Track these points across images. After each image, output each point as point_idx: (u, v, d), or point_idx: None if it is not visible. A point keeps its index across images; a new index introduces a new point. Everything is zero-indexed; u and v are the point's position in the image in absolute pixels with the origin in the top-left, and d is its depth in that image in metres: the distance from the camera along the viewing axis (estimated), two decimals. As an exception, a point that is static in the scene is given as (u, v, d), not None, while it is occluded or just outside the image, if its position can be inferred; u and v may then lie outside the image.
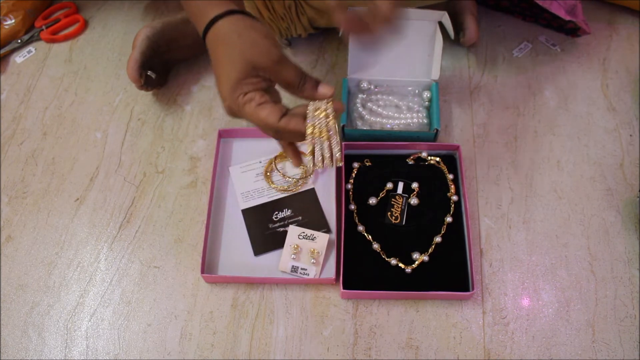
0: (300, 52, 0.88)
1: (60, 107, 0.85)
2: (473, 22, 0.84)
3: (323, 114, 0.52)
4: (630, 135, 0.79)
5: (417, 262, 0.68)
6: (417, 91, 0.80)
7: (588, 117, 0.81)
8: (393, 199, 0.72)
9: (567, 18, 0.79)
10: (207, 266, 0.69)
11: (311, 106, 0.52)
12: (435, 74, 0.78)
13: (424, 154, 0.75)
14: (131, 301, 0.68)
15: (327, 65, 0.87)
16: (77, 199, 0.76)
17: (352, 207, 0.72)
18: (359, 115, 0.79)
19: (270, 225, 0.72)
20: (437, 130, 0.74)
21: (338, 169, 0.74)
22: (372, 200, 0.72)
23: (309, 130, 0.52)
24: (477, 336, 0.65)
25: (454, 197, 0.72)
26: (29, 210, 0.75)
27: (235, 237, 0.71)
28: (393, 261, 0.68)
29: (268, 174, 0.76)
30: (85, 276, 0.70)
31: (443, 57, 0.80)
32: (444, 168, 0.74)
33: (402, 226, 0.71)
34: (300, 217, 0.72)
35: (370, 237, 0.70)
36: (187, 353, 0.64)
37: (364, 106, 0.79)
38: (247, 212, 0.73)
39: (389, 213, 0.71)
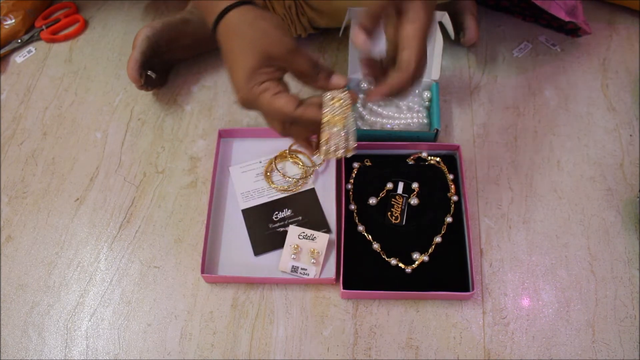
0: (300, 52, 0.88)
1: (60, 107, 0.85)
2: (473, 22, 0.84)
3: (339, 103, 0.52)
4: (630, 135, 0.79)
5: (417, 262, 0.68)
6: (417, 91, 0.80)
7: (588, 117, 0.81)
8: (393, 199, 0.72)
9: (567, 19, 0.79)
10: (207, 266, 0.69)
11: (327, 95, 0.52)
12: (436, 74, 0.78)
13: (424, 154, 0.75)
14: (131, 301, 0.68)
15: (327, 65, 0.87)
16: (77, 199, 0.76)
17: (352, 207, 0.72)
18: (359, 115, 0.79)
19: (270, 225, 0.72)
20: (437, 130, 0.74)
21: (338, 169, 0.74)
22: (372, 200, 0.72)
23: (325, 119, 0.52)
24: (477, 336, 0.65)
25: (454, 197, 0.72)
26: (29, 210, 0.75)
27: (235, 237, 0.71)
28: (393, 261, 0.68)
29: (268, 174, 0.76)
30: (85, 276, 0.70)
31: (443, 57, 0.80)
32: (444, 168, 0.74)
33: (402, 226, 0.71)
34: (300, 217, 0.72)
35: (370, 237, 0.70)
36: (187, 353, 0.64)
37: (364, 106, 0.79)
38: (247, 212, 0.73)
39: (389, 213, 0.71)
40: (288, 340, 0.65)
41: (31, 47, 0.92)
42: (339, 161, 0.75)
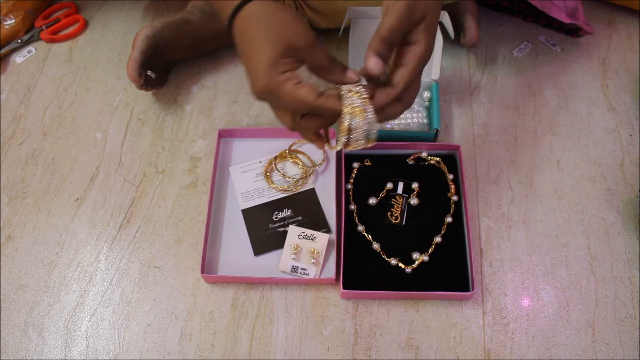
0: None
1: (60, 107, 0.85)
2: (473, 22, 0.84)
3: (357, 95, 0.52)
4: (630, 135, 0.79)
5: (417, 262, 0.68)
6: (417, 91, 0.80)
7: (588, 117, 0.81)
8: (393, 199, 0.72)
9: (568, 21, 0.79)
10: (207, 266, 0.69)
11: (345, 87, 0.53)
12: (436, 74, 0.78)
13: (424, 154, 0.75)
14: (131, 301, 0.68)
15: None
16: (77, 199, 0.76)
17: (352, 207, 0.72)
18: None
19: (270, 225, 0.72)
20: (437, 130, 0.74)
21: (338, 169, 0.74)
22: (372, 200, 0.72)
23: (346, 110, 0.52)
24: (477, 336, 0.65)
25: (454, 197, 0.72)
26: (29, 210, 0.75)
27: (235, 237, 0.71)
28: (393, 261, 0.68)
29: (268, 174, 0.76)
30: (85, 276, 0.70)
31: (443, 57, 0.80)
32: (444, 168, 0.74)
33: (402, 226, 0.71)
34: (300, 217, 0.72)
35: (370, 237, 0.70)
36: (187, 353, 0.64)
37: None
38: (247, 212, 0.73)
39: (389, 213, 0.71)
40: (288, 340, 0.65)
41: (31, 47, 0.92)
42: (338, 161, 0.75)
